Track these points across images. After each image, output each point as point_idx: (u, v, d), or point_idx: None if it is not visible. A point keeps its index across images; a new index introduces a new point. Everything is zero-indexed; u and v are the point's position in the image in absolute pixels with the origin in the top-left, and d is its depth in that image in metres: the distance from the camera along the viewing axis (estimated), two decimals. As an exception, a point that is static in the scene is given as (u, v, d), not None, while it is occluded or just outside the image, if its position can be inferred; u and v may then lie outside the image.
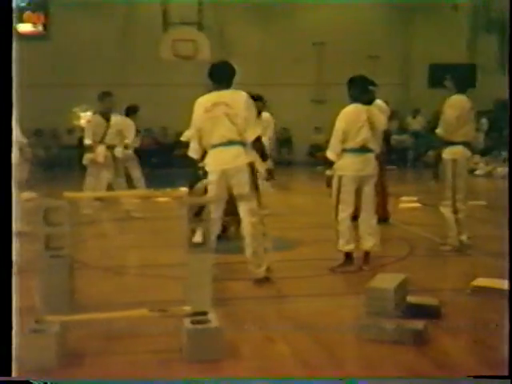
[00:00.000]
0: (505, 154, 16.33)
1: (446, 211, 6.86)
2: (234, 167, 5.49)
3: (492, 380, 3.53)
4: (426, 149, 19.56)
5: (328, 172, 6.17)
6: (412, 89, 20.81)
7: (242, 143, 5.53)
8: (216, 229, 5.54)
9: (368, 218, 6.15)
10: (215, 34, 18.80)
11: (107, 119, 9.24)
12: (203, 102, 5.62)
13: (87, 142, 9.20)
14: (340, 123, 6.04)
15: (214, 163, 5.55)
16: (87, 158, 9.20)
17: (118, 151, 9.19)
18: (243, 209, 5.54)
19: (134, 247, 7.54)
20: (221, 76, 5.68)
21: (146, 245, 7.64)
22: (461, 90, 6.88)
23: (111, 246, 7.47)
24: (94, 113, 9.69)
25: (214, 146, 5.53)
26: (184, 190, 5.16)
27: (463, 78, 6.92)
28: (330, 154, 6.13)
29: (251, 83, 19.64)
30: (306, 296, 5.34)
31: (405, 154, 19.26)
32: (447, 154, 6.87)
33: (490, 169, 15.61)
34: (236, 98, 5.56)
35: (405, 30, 20.71)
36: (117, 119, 9.38)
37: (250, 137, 5.57)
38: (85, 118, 18.46)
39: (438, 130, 6.89)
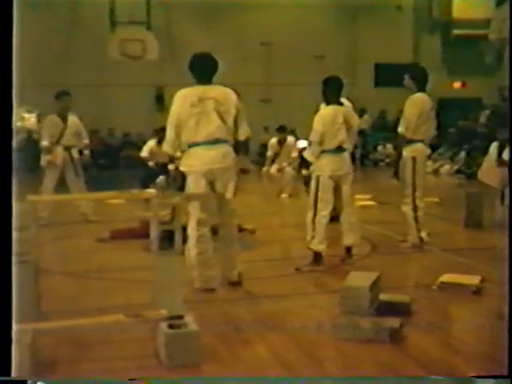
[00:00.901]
0: (450, 152, 16.71)
1: (407, 209, 6.95)
2: (222, 167, 5.28)
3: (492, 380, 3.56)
4: (374, 147, 19.95)
5: (304, 172, 6.22)
6: (358, 88, 20.98)
7: (229, 142, 5.35)
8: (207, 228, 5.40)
9: (348, 216, 6.23)
10: (162, 34, 18.65)
11: (64, 119, 9.02)
12: (187, 95, 5.30)
13: (44, 143, 8.95)
14: (318, 125, 6.09)
15: (199, 162, 5.27)
16: (45, 159, 8.96)
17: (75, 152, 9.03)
18: (225, 210, 5.41)
19: (93, 251, 7.41)
20: (204, 69, 5.41)
21: (105, 248, 7.52)
22: (421, 88, 6.97)
23: (70, 250, 7.32)
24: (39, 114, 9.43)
25: (198, 144, 5.26)
26: (152, 191, 5.05)
27: (423, 76, 7.00)
28: (308, 156, 6.17)
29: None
30: (275, 297, 5.30)
31: (352, 153, 19.38)
32: (407, 151, 6.96)
33: (437, 166, 15.89)
34: (227, 94, 5.36)
35: (350, 29, 20.93)
36: (74, 119, 9.16)
37: (241, 136, 5.41)
38: (29, 119, 18.12)
39: (400, 129, 6.96)
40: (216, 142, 5.29)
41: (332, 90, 6.27)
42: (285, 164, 11.95)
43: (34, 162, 16.85)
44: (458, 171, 15.36)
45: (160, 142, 11.56)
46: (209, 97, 5.26)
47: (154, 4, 18.26)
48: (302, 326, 4.42)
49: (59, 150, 8.98)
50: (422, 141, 7.00)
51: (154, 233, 4.79)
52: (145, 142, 20.09)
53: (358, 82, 20.95)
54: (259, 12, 20.11)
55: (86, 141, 9.42)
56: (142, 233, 7.65)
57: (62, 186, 9.09)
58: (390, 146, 17.26)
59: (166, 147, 5.46)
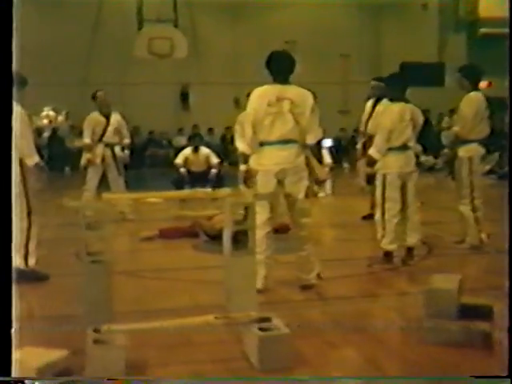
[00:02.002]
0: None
1: (465, 210, 6.83)
2: (294, 167, 5.20)
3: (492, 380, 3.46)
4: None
5: (368, 170, 6.15)
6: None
7: (301, 143, 5.26)
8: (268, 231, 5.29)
9: (412, 215, 6.14)
10: (187, 32, 18.59)
11: (107, 117, 8.95)
12: (265, 94, 5.21)
13: (86, 140, 8.89)
14: (386, 122, 6.00)
15: (271, 162, 5.19)
16: (85, 158, 8.90)
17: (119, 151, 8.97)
18: (296, 210, 5.30)
19: (143, 250, 7.34)
20: (282, 67, 5.31)
21: (153, 247, 7.45)
22: (475, 87, 6.86)
23: (119, 250, 7.23)
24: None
25: (270, 144, 5.19)
26: (227, 190, 4.96)
27: (477, 75, 6.89)
28: (374, 153, 6.07)
29: (224, 82, 19.73)
30: (347, 298, 5.22)
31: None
32: (463, 151, 6.85)
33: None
34: (303, 95, 5.25)
35: (375, 28, 20.82)
36: (117, 117, 9.10)
37: (312, 139, 5.31)
38: (55, 118, 18.11)
39: (455, 128, 6.86)
40: (288, 142, 5.22)
41: (397, 87, 6.18)
42: None
43: (61, 161, 17.07)
44: (491, 171, 15.18)
45: (196, 150, 11.53)
46: (286, 97, 5.18)
47: (180, 2, 18.18)
48: (384, 327, 4.32)
49: (100, 148, 8.90)
50: (477, 141, 6.88)
51: (228, 232, 4.72)
52: (169, 141, 20.31)
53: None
54: (283, 10, 20.04)
55: (128, 139, 9.35)
56: (191, 232, 7.61)
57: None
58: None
59: (243, 146, 5.41)
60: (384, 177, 6.07)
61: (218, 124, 19.65)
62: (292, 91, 5.24)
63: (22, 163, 5.58)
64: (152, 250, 7.32)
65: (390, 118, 6.04)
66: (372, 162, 6.15)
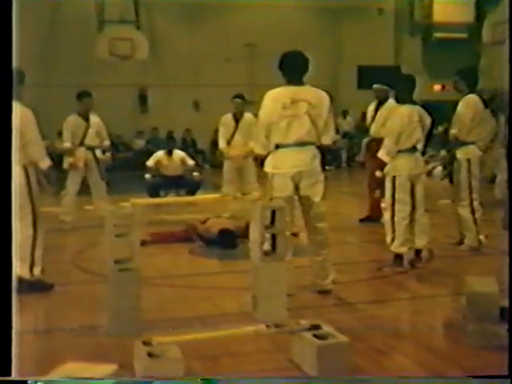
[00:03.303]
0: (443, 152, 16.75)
1: (464, 211, 6.87)
2: (310, 169, 5.09)
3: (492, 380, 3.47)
4: (359, 149, 19.97)
5: (378, 173, 6.12)
6: (341, 90, 21.03)
7: (316, 146, 5.16)
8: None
9: (420, 217, 6.11)
10: (148, 34, 18.30)
11: (86, 119, 8.66)
12: (279, 96, 5.08)
13: (67, 144, 8.58)
14: (395, 124, 5.97)
15: (288, 164, 5.06)
16: (67, 162, 8.59)
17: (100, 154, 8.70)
18: (312, 214, 5.17)
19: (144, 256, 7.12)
20: (297, 68, 5.18)
21: (149, 252, 7.23)
22: (472, 89, 6.90)
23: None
24: None
25: (286, 146, 5.06)
26: (257, 194, 4.85)
27: (474, 77, 6.94)
28: (384, 156, 6.03)
29: (183, 84, 19.50)
30: (370, 302, 5.14)
31: (339, 155, 19.45)
32: (461, 153, 6.89)
33: (430, 168, 15.93)
34: (319, 97, 5.16)
35: (334, 31, 20.91)
36: (96, 119, 8.81)
37: (327, 141, 5.22)
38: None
39: (453, 131, 6.88)
40: (305, 144, 5.11)
41: (406, 89, 6.16)
42: None
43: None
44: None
45: (170, 153, 11.27)
46: (302, 99, 5.06)
47: (141, 3, 17.88)
48: (425, 331, 4.28)
49: (82, 152, 8.62)
50: (475, 143, 6.93)
51: (256, 237, 4.60)
52: (127, 145, 19.92)
53: (341, 83, 21.04)
54: (244, 13, 19.92)
55: (108, 142, 9.09)
56: (184, 236, 7.44)
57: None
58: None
59: (258, 148, 5.25)
60: (394, 179, 6.04)
61: (178, 127, 19.39)
62: (308, 92, 5.15)
63: (26, 169, 5.34)
64: (149, 255, 7.08)
65: (399, 121, 6.02)
66: (382, 165, 6.12)
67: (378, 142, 8.65)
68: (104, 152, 9.02)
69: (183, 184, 11.23)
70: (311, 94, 5.14)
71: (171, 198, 5.20)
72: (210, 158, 19.18)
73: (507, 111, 12.62)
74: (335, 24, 20.87)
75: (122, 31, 16.31)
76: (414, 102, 6.18)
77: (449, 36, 20.81)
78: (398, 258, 6.08)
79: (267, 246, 4.64)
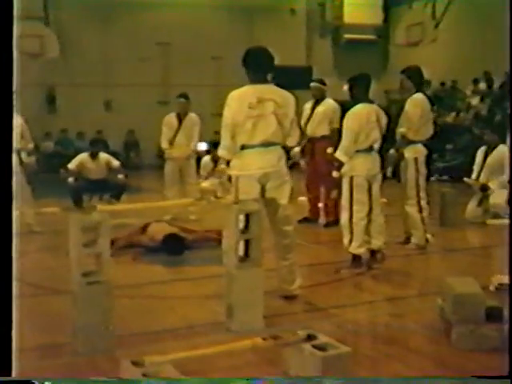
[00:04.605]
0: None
1: (412, 210, 6.87)
2: (277, 170, 4.87)
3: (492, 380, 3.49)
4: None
5: (335, 174, 5.96)
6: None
7: (282, 146, 4.95)
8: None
9: (377, 217, 6.02)
10: (57, 32, 17.52)
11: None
12: (244, 95, 4.83)
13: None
14: (353, 124, 5.83)
15: (254, 166, 4.83)
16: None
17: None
18: (279, 217, 4.95)
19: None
20: (262, 65, 4.93)
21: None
22: (419, 88, 6.91)
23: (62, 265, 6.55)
24: None
25: (252, 147, 4.82)
26: (230, 197, 4.59)
27: (420, 76, 6.94)
28: (341, 156, 5.88)
29: (93, 83, 18.85)
30: (341, 306, 4.98)
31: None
32: (409, 152, 6.89)
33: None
34: (285, 96, 4.93)
35: (247, 31, 20.75)
36: (19, 120, 8.23)
37: (293, 142, 5.06)
38: None
39: (401, 129, 6.86)
40: (271, 144, 4.90)
41: (362, 88, 6.06)
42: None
43: None
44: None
45: (94, 156, 10.75)
46: (268, 98, 4.83)
47: (49, -1, 17.12)
48: (409, 335, 4.17)
49: (6, 155, 8.03)
50: (421, 141, 6.95)
51: (231, 242, 4.36)
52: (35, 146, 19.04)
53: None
54: (155, 11, 19.48)
55: (31, 144, 8.53)
56: (125, 244, 7.05)
57: None
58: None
59: (223, 152, 4.96)
60: (351, 180, 5.92)
61: (89, 128, 18.72)
62: (274, 91, 4.93)
63: None
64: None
65: (357, 120, 5.90)
66: (339, 165, 5.99)
67: (313, 142, 8.61)
68: (29, 155, 8.46)
69: (108, 187, 10.74)
70: (277, 93, 4.93)
71: (141, 204, 4.86)
72: (124, 160, 18.60)
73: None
74: (248, 23, 20.76)
75: (30, 28, 15.45)
76: (370, 101, 6.10)
77: (358, 37, 21.16)
78: (356, 259, 5.98)
79: (240, 252, 4.43)
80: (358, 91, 6.08)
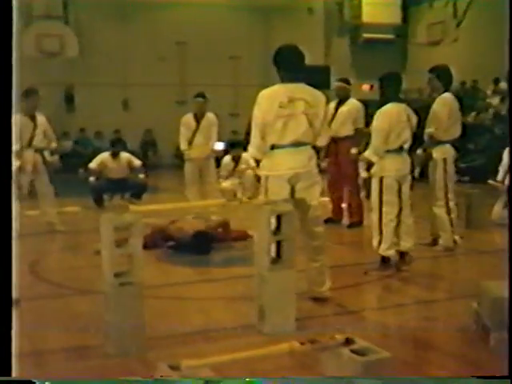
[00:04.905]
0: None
1: (440, 212, 6.76)
2: (307, 171, 4.78)
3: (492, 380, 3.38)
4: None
5: (364, 174, 5.87)
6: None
7: (313, 146, 4.86)
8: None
9: (406, 218, 5.93)
10: (74, 30, 17.55)
11: (33, 119, 8.06)
12: (275, 95, 4.74)
13: (14, 146, 7.93)
14: (383, 123, 5.74)
15: (284, 166, 4.74)
16: (15, 165, 7.95)
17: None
18: (309, 218, 4.87)
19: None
20: (294, 64, 4.85)
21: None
22: (448, 88, 6.80)
23: (80, 265, 6.51)
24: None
25: (282, 147, 4.73)
26: (262, 198, 4.52)
27: (449, 75, 6.82)
28: (371, 156, 5.80)
29: (111, 82, 18.85)
30: (373, 309, 4.92)
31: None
32: (438, 153, 6.78)
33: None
34: (316, 95, 4.84)
35: (264, 31, 20.75)
36: (42, 119, 8.23)
37: (322, 142, 4.96)
38: None
39: (429, 130, 6.75)
40: (302, 144, 4.81)
41: (392, 87, 5.98)
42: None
43: None
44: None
45: (115, 155, 10.75)
46: (299, 97, 4.74)
47: (69, -1, 17.15)
48: (444, 339, 4.08)
49: (29, 154, 8.01)
50: (449, 141, 6.84)
51: (263, 244, 4.29)
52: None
53: (272, 83, 20.86)
54: (173, 11, 19.51)
55: (55, 143, 8.52)
56: (150, 242, 6.98)
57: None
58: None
59: (253, 151, 4.87)
60: (381, 180, 5.83)
61: (106, 127, 18.74)
62: (305, 91, 4.84)
63: None
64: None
65: (388, 119, 5.81)
66: (368, 166, 5.90)
67: (337, 142, 8.52)
68: (52, 154, 8.43)
69: (128, 187, 10.77)
70: (308, 92, 4.84)
71: (172, 204, 4.81)
72: (141, 160, 18.60)
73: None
74: (265, 23, 20.73)
75: (50, 27, 15.49)
76: (400, 100, 6.00)
77: (377, 37, 21.00)
78: (386, 260, 5.89)
79: (272, 254, 4.35)
80: (389, 90, 5.99)
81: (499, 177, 8.76)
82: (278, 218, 4.37)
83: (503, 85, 16.99)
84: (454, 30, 16.15)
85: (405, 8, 21.02)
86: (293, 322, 4.30)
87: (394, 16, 20.92)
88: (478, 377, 3.32)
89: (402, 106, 5.95)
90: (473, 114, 16.57)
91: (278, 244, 4.38)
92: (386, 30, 21.13)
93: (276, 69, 4.92)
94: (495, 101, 16.79)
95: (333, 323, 4.51)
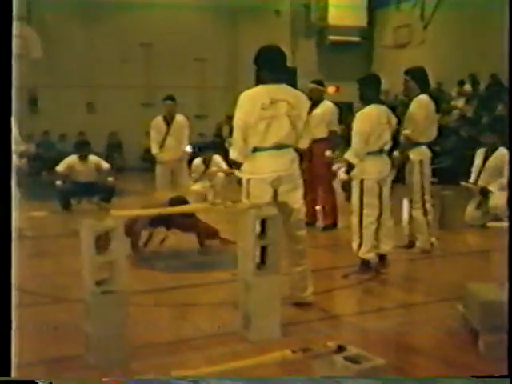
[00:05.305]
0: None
1: (417, 214, 6.74)
2: (290, 174, 4.69)
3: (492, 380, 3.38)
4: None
5: (343, 176, 5.77)
6: (239, 91, 20.73)
7: (295, 149, 4.76)
8: None
9: (386, 221, 5.87)
10: (37, 31, 17.20)
11: None
12: (257, 96, 4.62)
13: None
14: (364, 125, 5.68)
15: (267, 169, 4.63)
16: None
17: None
18: (292, 221, 4.76)
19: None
20: (276, 65, 4.73)
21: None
22: (424, 90, 6.77)
23: (62, 271, 6.33)
24: None
25: (264, 149, 4.63)
26: (247, 202, 4.40)
27: (425, 77, 6.80)
28: (352, 158, 5.73)
29: (76, 84, 18.54)
30: (359, 314, 4.83)
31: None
32: (414, 154, 6.75)
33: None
34: (299, 97, 4.75)
35: (231, 32, 20.67)
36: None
37: (304, 145, 4.84)
38: None
39: (406, 131, 6.71)
40: (284, 147, 4.70)
41: (372, 89, 5.92)
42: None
43: None
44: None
45: (84, 158, 10.54)
46: (281, 98, 4.63)
47: (32, -1, 16.81)
48: (433, 343, 4.02)
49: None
50: (426, 143, 6.83)
51: (248, 249, 4.19)
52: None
53: (239, 85, 20.77)
54: (139, 12, 19.27)
55: (23, 146, 8.29)
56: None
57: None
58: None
59: (235, 154, 4.76)
60: (362, 182, 5.77)
61: (71, 129, 18.44)
62: (287, 92, 4.74)
63: None
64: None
65: (368, 121, 5.76)
66: (349, 168, 5.84)
67: (311, 144, 8.43)
68: (20, 157, 8.19)
69: (97, 190, 10.58)
70: (290, 93, 4.74)
71: (155, 210, 4.68)
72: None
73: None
74: (232, 24, 20.65)
75: (13, 28, 15.13)
76: (381, 102, 5.96)
77: (343, 39, 21.07)
78: (365, 264, 5.83)
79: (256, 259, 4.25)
80: (368, 92, 5.92)
81: (472, 178, 8.80)
82: (263, 223, 4.27)
83: (468, 87, 17.18)
84: (422, 33, 16.25)
85: (370, 11, 21.15)
86: (278, 328, 4.21)
87: (359, 19, 21.01)
88: (478, 377, 3.31)
89: (383, 108, 5.91)
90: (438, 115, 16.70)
91: (262, 249, 4.29)
92: (352, 32, 21.20)
93: (257, 70, 4.80)
94: (460, 103, 16.95)
95: (318, 329, 4.43)
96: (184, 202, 6.51)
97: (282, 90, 4.70)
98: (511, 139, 6.31)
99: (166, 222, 6.62)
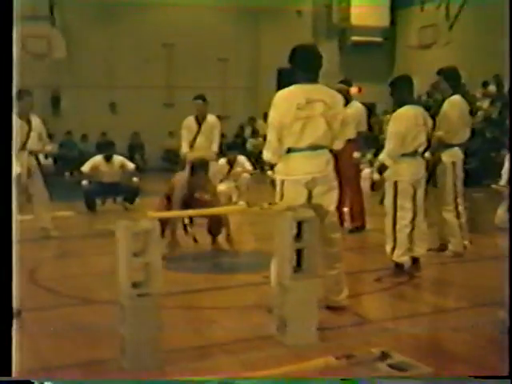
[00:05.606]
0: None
1: (449, 216, 6.62)
2: (323, 176, 4.58)
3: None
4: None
5: (376, 177, 5.68)
6: (261, 92, 20.70)
7: (330, 149, 4.66)
8: None
9: (420, 223, 5.77)
10: (61, 31, 17.24)
11: (28, 121, 7.79)
12: (293, 96, 4.53)
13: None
14: (400, 126, 5.57)
15: (302, 170, 4.54)
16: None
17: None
18: (326, 223, 4.64)
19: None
20: (312, 64, 4.63)
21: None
22: (456, 90, 6.65)
23: (92, 273, 6.27)
24: None
25: (299, 150, 4.53)
26: (283, 204, 4.31)
27: (458, 77, 6.68)
28: (386, 160, 5.62)
29: (98, 85, 18.55)
30: (395, 319, 4.72)
31: (262, 158, 19.07)
32: (447, 156, 6.63)
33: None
34: (335, 97, 4.66)
35: (253, 33, 20.57)
36: (36, 121, 7.97)
37: (339, 146, 4.74)
38: None
39: (439, 133, 6.58)
40: (319, 148, 4.60)
41: (405, 90, 5.81)
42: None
43: None
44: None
45: (108, 159, 10.52)
46: (317, 99, 4.53)
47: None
48: (477, 352, 3.91)
49: (24, 157, 7.72)
50: (458, 145, 6.71)
51: (284, 252, 4.10)
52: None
53: (260, 86, 20.71)
54: (161, 12, 19.23)
55: (50, 146, 8.27)
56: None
57: None
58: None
59: (269, 155, 4.68)
60: (395, 184, 5.66)
61: (93, 130, 18.46)
62: (323, 92, 4.64)
63: None
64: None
65: (404, 122, 5.64)
66: (382, 169, 5.73)
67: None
68: (46, 157, 8.18)
69: (121, 190, 10.56)
70: (326, 93, 4.64)
71: (192, 211, 4.61)
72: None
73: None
74: (254, 25, 20.54)
75: (37, 28, 15.16)
76: (414, 103, 5.85)
77: (365, 39, 20.93)
78: (399, 267, 5.72)
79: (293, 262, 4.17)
80: (402, 94, 5.81)
81: (502, 181, 8.65)
82: (299, 225, 4.19)
83: (492, 88, 16.96)
84: (447, 33, 16.06)
85: (393, 10, 21.00)
86: (315, 333, 4.12)
87: (382, 19, 20.87)
88: (478, 377, 3.27)
89: (419, 109, 5.79)
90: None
91: (298, 252, 4.20)
92: (374, 32, 21.06)
93: (292, 69, 4.70)
94: (485, 104, 16.74)
95: (354, 333, 4.33)
96: (206, 163, 6.41)
97: (317, 90, 4.61)
98: (511, 139, 6.12)
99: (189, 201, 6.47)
